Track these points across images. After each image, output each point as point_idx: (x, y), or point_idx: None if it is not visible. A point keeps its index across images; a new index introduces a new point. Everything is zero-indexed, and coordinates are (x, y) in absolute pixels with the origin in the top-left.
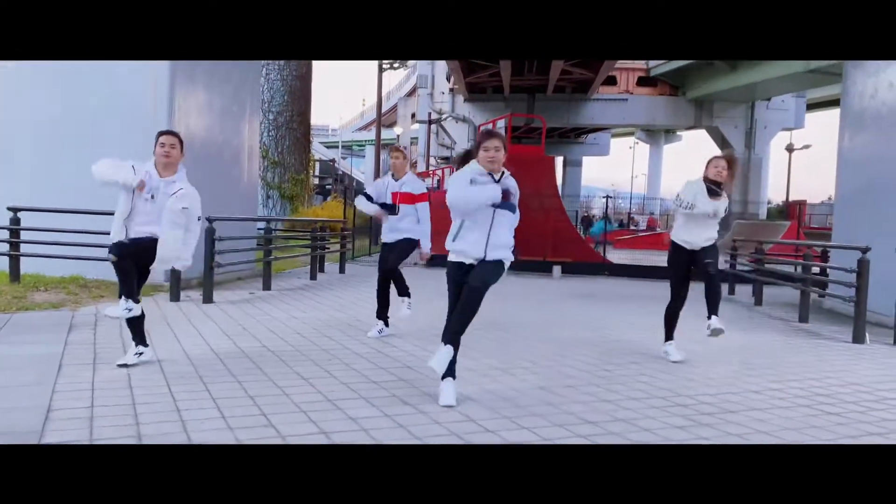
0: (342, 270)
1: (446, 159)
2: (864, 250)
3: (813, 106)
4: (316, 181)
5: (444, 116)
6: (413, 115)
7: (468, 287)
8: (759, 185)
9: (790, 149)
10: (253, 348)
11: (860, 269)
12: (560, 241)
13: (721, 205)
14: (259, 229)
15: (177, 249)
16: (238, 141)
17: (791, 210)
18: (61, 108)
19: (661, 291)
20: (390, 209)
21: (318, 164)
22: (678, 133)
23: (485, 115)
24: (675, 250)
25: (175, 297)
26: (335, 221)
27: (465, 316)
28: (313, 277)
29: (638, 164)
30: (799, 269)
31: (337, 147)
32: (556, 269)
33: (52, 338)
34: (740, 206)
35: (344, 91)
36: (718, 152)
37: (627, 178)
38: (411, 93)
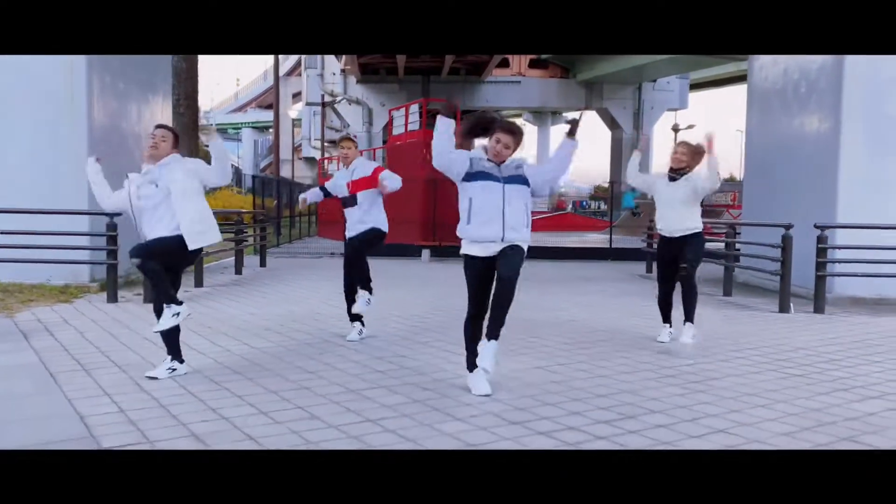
0: (263, 264)
1: (335, 143)
2: (787, 227)
3: (695, 86)
4: None
5: (338, 99)
6: (294, 96)
7: (500, 279)
8: (647, 166)
9: (676, 129)
10: (241, 348)
11: (784, 244)
12: None
13: (679, 186)
14: None
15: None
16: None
17: None
18: None
19: (575, 272)
20: (351, 201)
21: None
22: (565, 114)
23: (379, 97)
24: (658, 239)
25: (112, 299)
26: (257, 212)
27: (504, 310)
28: (238, 272)
29: (526, 146)
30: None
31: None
32: None
33: (12, 346)
34: (630, 186)
35: (214, 68)
36: (608, 131)
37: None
38: (291, 72)
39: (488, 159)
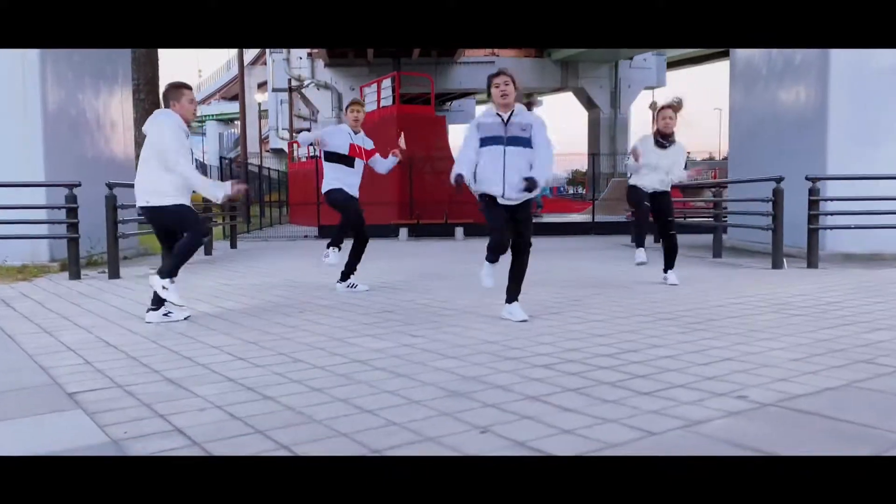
0: (234, 245)
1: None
2: (778, 180)
3: (672, 64)
4: None
5: (305, 83)
6: (260, 86)
7: (523, 245)
8: (626, 145)
9: (653, 107)
10: (214, 310)
11: (776, 197)
12: (457, 203)
13: (667, 155)
14: None
15: None
16: (113, 112)
17: None
18: None
19: (561, 244)
20: (349, 162)
21: None
22: (540, 98)
23: (348, 81)
24: (634, 190)
25: (75, 275)
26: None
27: (523, 272)
28: (208, 253)
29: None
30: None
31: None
32: (459, 231)
33: None
34: (609, 166)
35: (175, 60)
36: (584, 112)
37: None
38: (256, 60)
39: (497, 113)
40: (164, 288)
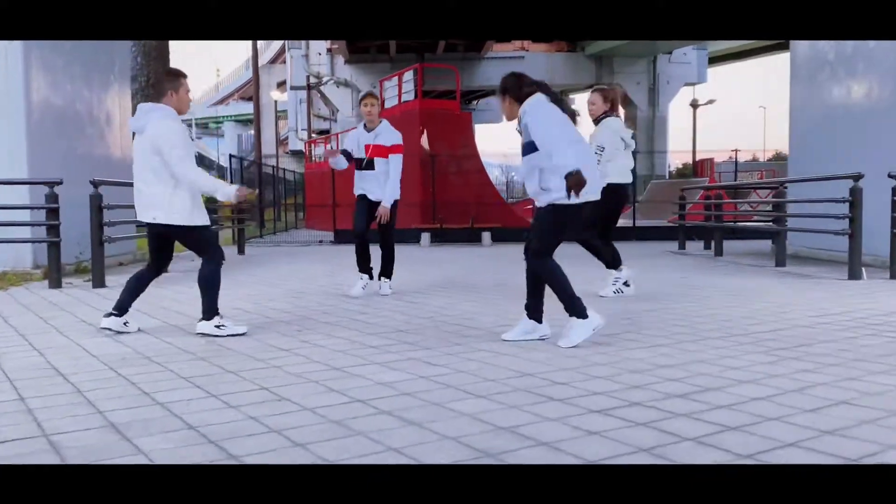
0: (241, 251)
1: (325, 132)
2: (857, 178)
3: (715, 59)
4: None
5: (324, 80)
6: (279, 85)
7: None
8: (665, 144)
9: (694, 104)
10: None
11: (854, 197)
12: (484, 206)
13: (594, 137)
14: None
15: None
16: (108, 106)
17: (700, 167)
18: None
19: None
20: (368, 165)
21: None
22: (572, 96)
23: (368, 78)
24: None
25: (55, 284)
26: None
27: (551, 288)
28: None
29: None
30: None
31: (190, 126)
32: (486, 236)
33: None
34: (647, 167)
35: (193, 60)
36: (620, 110)
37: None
38: (275, 59)
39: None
40: (218, 327)
